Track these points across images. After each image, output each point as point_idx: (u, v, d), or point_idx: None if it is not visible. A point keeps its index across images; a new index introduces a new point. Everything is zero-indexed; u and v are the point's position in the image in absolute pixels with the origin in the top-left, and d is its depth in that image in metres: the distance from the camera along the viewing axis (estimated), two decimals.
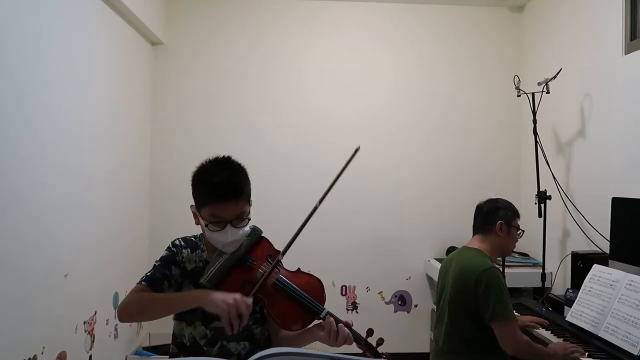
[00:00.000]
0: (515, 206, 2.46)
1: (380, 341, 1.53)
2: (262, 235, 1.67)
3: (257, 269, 1.57)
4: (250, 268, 1.58)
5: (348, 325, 1.51)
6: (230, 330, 1.40)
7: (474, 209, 2.51)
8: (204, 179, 1.55)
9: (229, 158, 1.59)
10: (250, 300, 1.43)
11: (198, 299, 1.46)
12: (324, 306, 1.55)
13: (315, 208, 1.51)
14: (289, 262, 1.65)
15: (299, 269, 1.65)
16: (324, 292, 1.59)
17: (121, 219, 3.26)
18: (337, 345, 1.49)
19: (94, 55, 2.82)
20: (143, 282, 1.56)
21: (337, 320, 1.51)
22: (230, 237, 1.53)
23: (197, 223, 1.61)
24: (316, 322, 1.56)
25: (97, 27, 2.86)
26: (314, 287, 1.58)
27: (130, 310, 1.53)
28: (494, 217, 2.36)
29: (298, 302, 1.53)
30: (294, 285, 1.56)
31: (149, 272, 1.60)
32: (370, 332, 1.55)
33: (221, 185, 1.51)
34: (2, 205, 1.98)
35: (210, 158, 1.58)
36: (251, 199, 1.61)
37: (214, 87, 3.91)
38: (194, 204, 1.59)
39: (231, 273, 1.55)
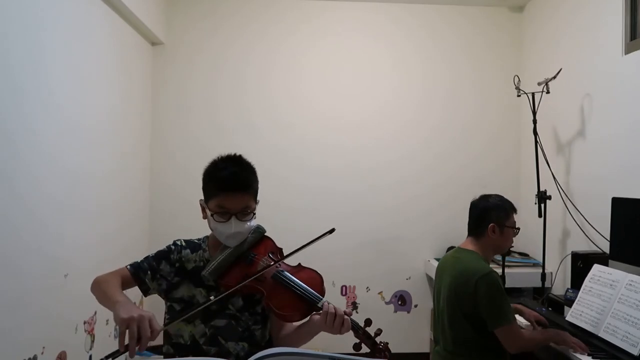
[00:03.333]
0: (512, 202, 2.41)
1: (379, 331, 1.54)
2: (266, 234, 1.70)
3: (258, 263, 1.61)
4: (252, 262, 1.61)
5: (348, 314, 1.52)
6: (122, 348, 1.28)
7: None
8: (213, 172, 1.60)
9: (240, 156, 1.65)
10: (159, 326, 1.32)
11: (113, 305, 1.39)
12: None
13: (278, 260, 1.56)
14: (290, 260, 1.65)
15: (299, 263, 1.68)
16: (323, 285, 1.62)
17: (121, 218, 3.26)
18: (335, 332, 1.50)
19: (94, 55, 2.82)
20: (129, 267, 1.62)
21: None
22: (234, 229, 1.56)
23: (205, 217, 1.64)
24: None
25: (97, 27, 2.86)
26: (314, 280, 1.61)
27: (95, 285, 1.54)
28: (486, 219, 2.32)
29: (297, 294, 1.56)
30: (293, 278, 1.59)
31: (139, 259, 1.65)
32: (368, 322, 1.56)
33: (229, 177, 1.56)
34: (2, 205, 1.98)
35: (223, 155, 1.64)
36: (258, 197, 1.65)
37: (214, 87, 3.91)
38: (202, 198, 1.63)
39: (233, 267, 1.59)
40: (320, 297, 1.56)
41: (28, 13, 2.15)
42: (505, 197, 2.43)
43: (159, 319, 1.64)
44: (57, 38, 2.40)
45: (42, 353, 2.26)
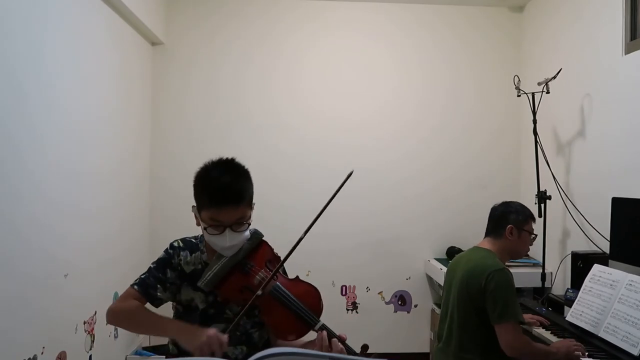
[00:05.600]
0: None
1: (376, 356, 1.50)
2: (263, 239, 1.65)
3: (255, 275, 1.55)
4: (249, 273, 1.56)
5: (342, 339, 1.48)
6: None
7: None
8: (205, 183, 1.53)
9: (232, 160, 1.57)
10: (225, 337, 1.40)
11: (176, 332, 1.48)
12: (320, 317, 1.53)
13: (307, 230, 1.50)
14: (290, 264, 1.64)
15: (297, 277, 1.63)
16: (320, 302, 1.57)
17: (121, 218, 3.26)
18: None
19: (94, 55, 2.82)
20: (135, 286, 1.56)
21: (331, 335, 1.49)
22: (228, 242, 1.51)
23: (198, 224, 1.60)
24: (312, 333, 1.54)
25: (97, 27, 2.86)
26: (311, 296, 1.56)
27: (117, 318, 1.56)
28: (505, 221, 2.36)
29: (293, 312, 1.51)
30: (290, 294, 1.54)
31: (143, 274, 1.60)
32: (365, 347, 1.51)
33: (222, 190, 1.49)
34: (3, 205, 1.98)
35: (214, 159, 1.56)
36: (253, 201, 1.60)
37: (214, 87, 3.91)
38: (195, 204, 1.58)
39: (229, 277, 1.54)
40: (317, 318, 1.52)
41: (29, 14, 2.15)
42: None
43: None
44: (57, 38, 2.40)
45: (42, 353, 2.26)
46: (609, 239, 2.64)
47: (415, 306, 4.02)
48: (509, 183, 3.99)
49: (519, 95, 3.36)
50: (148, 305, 1.59)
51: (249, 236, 1.59)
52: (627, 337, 2.09)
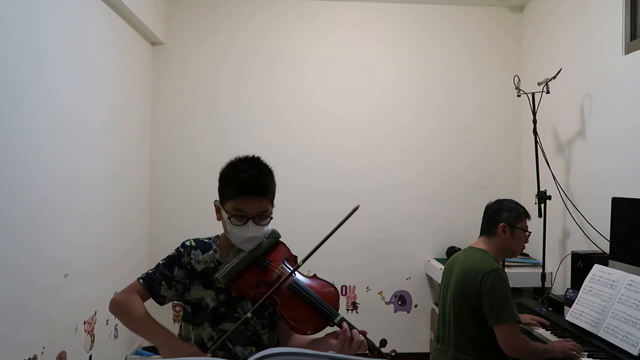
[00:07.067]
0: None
1: (393, 352, 1.51)
2: (280, 239, 1.68)
3: (273, 270, 1.57)
4: (267, 269, 1.58)
5: (363, 333, 1.49)
6: None
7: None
8: (232, 174, 1.57)
9: (258, 158, 1.63)
10: (203, 354, 1.42)
11: (160, 340, 1.49)
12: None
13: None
14: (305, 269, 1.64)
15: (315, 274, 1.64)
16: (338, 299, 1.58)
17: (121, 219, 3.26)
18: (351, 353, 1.47)
19: (93, 56, 2.82)
20: (141, 280, 1.60)
21: (352, 327, 1.49)
22: (251, 233, 1.54)
23: (219, 219, 1.62)
24: (328, 329, 1.53)
25: (96, 27, 2.86)
26: (330, 293, 1.58)
27: (116, 309, 1.58)
28: (497, 219, 2.36)
29: (312, 306, 1.52)
30: (309, 290, 1.55)
31: (150, 270, 1.62)
32: (384, 342, 1.52)
33: (248, 181, 1.54)
34: (2, 207, 1.98)
35: (241, 156, 1.62)
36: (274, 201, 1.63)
37: (214, 87, 3.91)
38: (218, 199, 1.61)
39: (247, 272, 1.56)
40: (337, 312, 1.52)
41: (27, 14, 2.15)
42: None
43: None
44: (56, 39, 2.40)
45: (42, 353, 2.26)
46: (609, 239, 2.64)
47: (415, 306, 4.02)
48: (509, 183, 3.99)
49: (519, 95, 3.36)
50: (151, 302, 1.60)
51: (269, 232, 1.63)
52: (627, 337, 2.09)
